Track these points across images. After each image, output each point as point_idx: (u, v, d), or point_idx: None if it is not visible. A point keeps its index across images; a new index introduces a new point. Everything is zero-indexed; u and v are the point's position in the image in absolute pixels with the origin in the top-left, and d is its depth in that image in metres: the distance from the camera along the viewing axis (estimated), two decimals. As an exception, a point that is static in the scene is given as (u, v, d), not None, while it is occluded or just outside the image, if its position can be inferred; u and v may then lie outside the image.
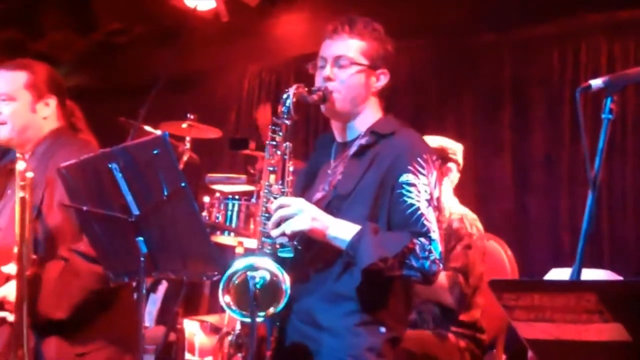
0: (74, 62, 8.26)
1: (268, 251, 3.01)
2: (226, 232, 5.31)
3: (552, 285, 2.10)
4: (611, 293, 1.88)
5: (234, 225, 5.28)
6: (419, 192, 3.03)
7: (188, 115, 5.94)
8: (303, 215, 2.97)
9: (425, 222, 3.00)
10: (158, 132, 5.37)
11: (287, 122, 3.10)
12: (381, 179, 3.08)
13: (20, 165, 3.51)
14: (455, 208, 4.43)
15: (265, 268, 2.88)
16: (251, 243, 5.24)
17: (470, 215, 4.43)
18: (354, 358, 2.99)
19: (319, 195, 3.22)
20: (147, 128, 5.50)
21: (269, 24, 7.57)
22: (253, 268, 2.88)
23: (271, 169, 3.08)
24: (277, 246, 3.01)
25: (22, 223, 3.47)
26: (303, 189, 3.31)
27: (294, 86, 3.12)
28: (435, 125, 6.49)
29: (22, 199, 3.46)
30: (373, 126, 3.21)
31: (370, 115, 3.24)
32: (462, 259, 4.25)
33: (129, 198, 3.07)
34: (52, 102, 3.87)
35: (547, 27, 6.33)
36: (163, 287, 5.95)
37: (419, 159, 3.07)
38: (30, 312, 3.47)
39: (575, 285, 2.07)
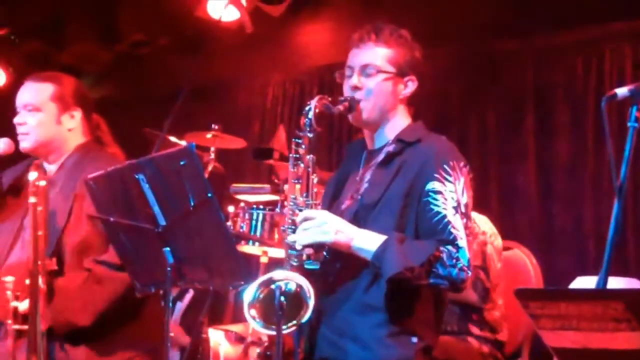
0: (99, 73, 8.31)
1: (295, 263, 3.01)
2: (251, 242, 5.32)
3: (578, 293, 2.10)
4: (639, 301, 1.88)
5: (258, 234, 5.29)
6: (445, 199, 3.02)
7: (213, 125, 5.96)
8: (326, 227, 2.98)
9: (452, 229, 2.99)
10: (183, 143, 5.39)
11: (310, 134, 3.10)
12: (408, 187, 3.08)
13: (32, 175, 3.56)
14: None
15: (291, 279, 2.89)
16: (276, 252, 5.26)
17: (480, 216, 4.44)
18: (386, 371, 2.99)
19: (346, 204, 3.23)
20: (172, 139, 5.52)
21: (293, 34, 7.59)
22: (277, 280, 2.88)
23: (295, 181, 3.09)
24: (304, 258, 3.01)
25: (34, 231, 3.50)
26: (332, 198, 3.32)
27: (316, 98, 3.12)
28: (458, 133, 6.48)
29: (34, 205, 3.50)
30: (400, 134, 3.22)
31: (399, 122, 3.25)
32: (480, 256, 4.27)
33: (156, 209, 3.10)
34: (78, 114, 3.92)
35: (571, 34, 6.31)
36: (189, 295, 5.97)
37: (445, 166, 3.07)
38: (54, 322, 3.50)
39: (601, 293, 2.08)
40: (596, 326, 1.93)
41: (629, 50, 6.06)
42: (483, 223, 4.40)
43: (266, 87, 7.92)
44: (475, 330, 4.28)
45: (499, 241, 4.42)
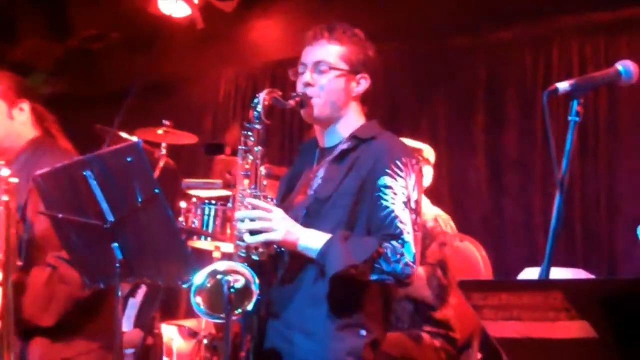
0: (50, 69, 8.24)
1: (242, 254, 3.03)
2: (203, 237, 5.31)
3: (519, 284, 2.13)
4: (577, 291, 1.91)
5: (210, 229, 5.28)
6: (395, 194, 3.05)
7: (164, 121, 5.94)
8: (277, 225, 3.00)
9: (399, 224, 3.02)
10: (134, 139, 5.36)
11: (258, 127, 3.11)
12: (361, 183, 3.10)
13: (4, 172, 3.53)
14: (428, 209, 4.47)
15: (235, 270, 2.91)
16: (228, 247, 5.25)
17: (444, 215, 4.49)
18: (335, 362, 3.00)
19: (298, 199, 3.25)
20: (123, 135, 5.49)
21: (244, 30, 7.57)
22: (222, 272, 2.90)
23: (244, 173, 3.10)
24: (252, 250, 3.02)
25: (6, 229, 3.48)
26: (285, 193, 3.34)
27: (265, 91, 3.13)
28: (409, 128, 6.51)
29: (6, 204, 3.48)
30: (355, 132, 3.23)
31: (352, 120, 3.27)
32: (438, 255, 4.31)
33: (104, 205, 3.09)
34: (26, 106, 3.90)
35: (520, 30, 6.37)
36: (142, 291, 5.94)
37: (397, 162, 3.09)
38: (15, 319, 3.48)
39: (541, 283, 2.11)
40: (537, 316, 1.95)
41: (576, 44, 6.13)
42: (445, 222, 4.44)
43: (218, 82, 7.90)
44: (427, 327, 4.32)
45: (457, 241, 4.48)
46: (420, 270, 4.21)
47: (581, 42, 6.12)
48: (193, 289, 2.92)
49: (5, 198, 3.49)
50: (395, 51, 6.72)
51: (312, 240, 3.02)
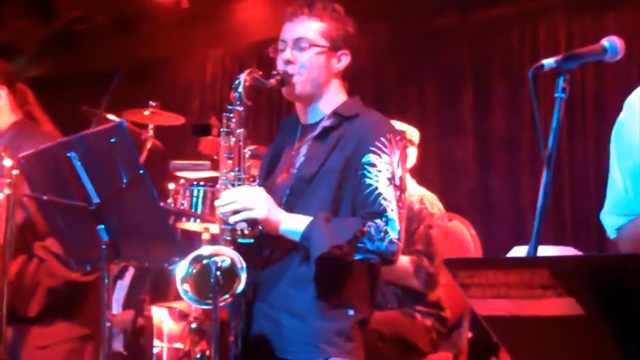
0: (36, 51, 8.19)
1: (228, 237, 3.01)
2: (192, 219, 5.30)
3: (505, 262, 2.11)
4: (563, 268, 1.90)
5: (199, 211, 5.26)
6: (379, 171, 3.02)
7: (151, 102, 5.91)
8: (259, 203, 2.98)
9: (382, 201, 3.00)
10: (117, 120, 5.34)
11: (240, 108, 3.09)
12: (345, 161, 3.08)
13: (7, 162, 3.48)
14: (413, 189, 4.44)
15: (221, 254, 2.89)
16: (217, 229, 5.23)
17: (430, 195, 4.46)
18: (324, 343, 3.00)
19: (281, 178, 3.22)
20: (110, 117, 5.47)
21: (231, 9, 7.54)
22: (207, 256, 2.88)
23: (227, 155, 3.08)
24: (238, 233, 3.01)
25: (7, 220, 3.45)
26: (267, 172, 3.31)
27: (246, 71, 3.11)
28: (396, 109, 6.52)
29: (8, 197, 3.44)
30: (337, 109, 3.20)
31: (333, 97, 3.24)
32: (425, 239, 4.27)
33: (89, 187, 3.07)
34: (3, 92, 3.85)
35: (506, 7, 6.37)
36: (130, 273, 5.92)
37: (382, 138, 3.06)
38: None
39: (528, 261, 2.10)
40: (524, 294, 1.94)
41: (563, 21, 6.13)
42: (432, 202, 4.41)
43: (205, 63, 7.88)
44: (419, 306, 4.31)
45: (445, 221, 4.44)
46: (406, 261, 4.20)
47: (568, 20, 6.12)
48: (178, 278, 2.89)
49: (7, 191, 3.45)
50: (381, 30, 6.71)
51: (294, 223, 3.00)
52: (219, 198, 3.04)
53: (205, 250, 2.92)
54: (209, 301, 2.88)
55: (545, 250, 3.72)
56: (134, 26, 7.15)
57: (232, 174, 3.06)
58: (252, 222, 2.99)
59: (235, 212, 2.98)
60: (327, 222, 2.96)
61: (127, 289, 5.97)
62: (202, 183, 5.34)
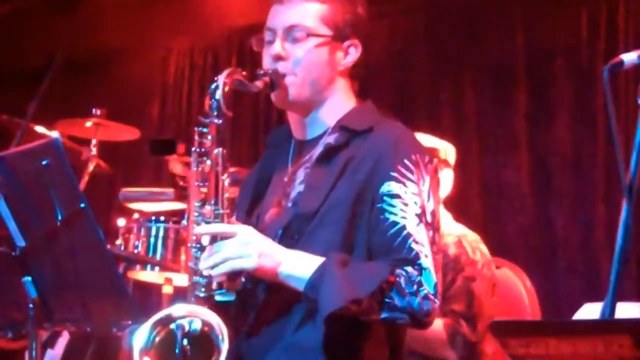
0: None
1: (202, 294, 3.01)
2: (149, 266, 5.32)
3: (572, 326, 2.13)
4: (651, 334, 1.91)
5: (159, 256, 5.29)
6: (405, 205, 3.02)
7: (94, 110, 5.94)
8: (247, 249, 2.97)
9: (413, 245, 2.99)
10: (53, 134, 5.36)
11: (218, 121, 3.10)
12: (358, 192, 3.07)
13: None
14: (449, 227, 4.44)
15: (196, 316, 2.89)
16: (183, 280, 5.25)
17: (471, 235, 4.46)
18: None
19: (271, 213, 3.22)
20: (40, 129, 5.50)
21: (202, -14, 7.60)
22: (177, 318, 2.89)
23: (200, 183, 3.09)
24: (214, 287, 3.01)
25: None
26: (251, 204, 3.31)
27: (226, 72, 3.10)
28: (425, 118, 6.54)
29: None
30: (343, 119, 3.20)
31: (339, 102, 3.24)
32: (464, 297, 4.27)
33: (12, 225, 3.08)
34: None
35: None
36: (64, 340, 5.92)
37: (405, 161, 3.06)
38: None
39: (603, 325, 2.11)
40: (598, 369, 1.96)
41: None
42: (473, 246, 4.41)
43: (167, 57, 7.92)
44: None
45: (492, 271, 4.44)
46: (439, 325, 4.20)
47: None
48: (136, 350, 2.90)
49: None
50: (404, 13, 6.74)
51: (298, 265, 2.98)
52: (188, 239, 3.05)
53: (176, 310, 2.92)
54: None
55: (627, 309, 3.72)
56: (72, 8, 7.18)
57: (208, 207, 3.06)
58: (235, 273, 3.00)
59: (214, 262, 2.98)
60: (344, 267, 2.95)
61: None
62: (162, 218, 5.36)
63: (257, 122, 7.30)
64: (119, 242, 5.30)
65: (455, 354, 4.26)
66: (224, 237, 2.98)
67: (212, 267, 2.96)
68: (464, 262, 4.33)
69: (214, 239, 2.99)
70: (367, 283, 2.91)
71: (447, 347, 4.24)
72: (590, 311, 4.23)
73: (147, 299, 6.12)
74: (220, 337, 2.86)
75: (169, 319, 2.89)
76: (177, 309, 2.92)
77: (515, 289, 4.81)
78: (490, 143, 6.56)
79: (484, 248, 4.44)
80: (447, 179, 4.53)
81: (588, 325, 2.16)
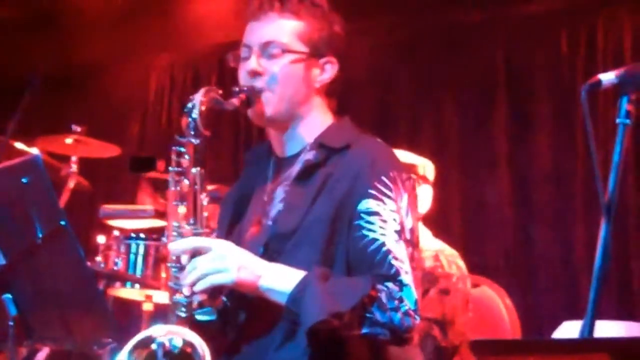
0: None
1: (182, 314, 3.00)
2: (129, 283, 5.31)
3: (551, 345, 2.14)
4: (630, 352, 1.92)
5: (139, 273, 5.28)
6: (384, 222, 3.03)
7: (74, 126, 5.93)
8: (225, 263, 2.97)
9: (393, 261, 2.99)
10: (32, 151, 5.36)
11: (195, 140, 3.10)
12: (336, 209, 3.08)
13: None
14: (427, 243, 4.46)
15: (177, 336, 2.89)
16: (163, 297, 5.24)
17: (449, 251, 4.48)
18: None
19: (251, 232, 3.22)
20: (19, 145, 5.49)
21: (181, 3, 7.58)
22: (158, 338, 2.88)
23: (178, 203, 3.09)
24: (195, 306, 3.01)
25: None
26: (231, 222, 3.32)
27: (202, 90, 3.10)
28: (405, 134, 6.55)
29: None
30: (321, 136, 3.22)
31: (316, 119, 3.25)
32: (438, 306, 4.29)
33: (-9, 243, 3.08)
34: None
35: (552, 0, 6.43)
36: (42, 355, 5.90)
37: (383, 178, 3.07)
38: None
39: (582, 344, 2.12)
40: (576, 388, 1.97)
41: (628, 19, 6.17)
42: (450, 260, 4.41)
43: (148, 73, 7.91)
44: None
45: (467, 286, 4.45)
46: None
47: (635, 16, 6.16)
48: None
49: None
50: (385, 29, 6.75)
51: (279, 279, 2.99)
52: (168, 258, 3.04)
53: (156, 330, 2.92)
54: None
55: (606, 328, 3.74)
56: (52, 24, 7.17)
57: (187, 227, 3.06)
58: (216, 290, 3.00)
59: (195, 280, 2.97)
60: (325, 281, 2.95)
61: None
62: (142, 235, 5.35)
63: (238, 139, 7.31)
64: (99, 259, 5.29)
65: (424, 356, 4.26)
66: (201, 253, 2.99)
67: (192, 284, 2.96)
68: (439, 275, 4.36)
69: (193, 256, 3.00)
70: (349, 297, 2.92)
71: (417, 350, 4.25)
72: (569, 329, 4.25)
73: (128, 316, 6.10)
74: (201, 356, 2.86)
75: (149, 340, 2.89)
76: (157, 330, 2.91)
77: (495, 306, 4.82)
78: (471, 160, 6.57)
79: (460, 263, 4.47)
80: (425, 195, 4.56)
81: (567, 344, 2.17)
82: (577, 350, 1.98)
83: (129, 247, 5.31)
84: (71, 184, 5.90)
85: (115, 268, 5.27)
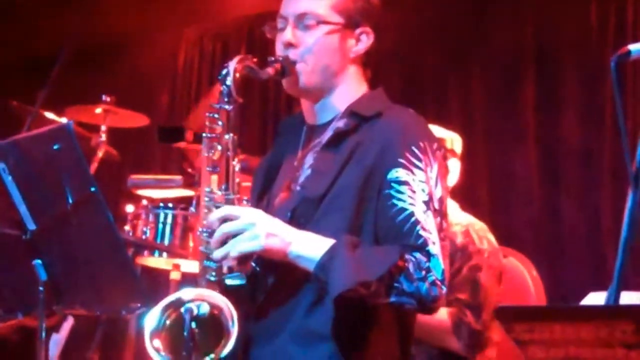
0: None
1: (212, 278, 3.02)
2: (157, 252, 5.33)
3: (576, 311, 2.13)
4: (655, 321, 1.92)
5: (167, 242, 5.30)
6: (413, 192, 3.03)
7: (104, 96, 5.95)
8: (255, 230, 2.98)
9: (421, 231, 2.99)
10: (62, 121, 5.38)
11: (228, 107, 3.11)
12: (365, 177, 3.08)
13: None
14: (456, 216, 4.44)
15: (205, 300, 2.91)
16: (191, 266, 5.27)
17: (478, 225, 4.46)
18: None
19: (280, 197, 3.23)
20: (49, 115, 5.51)
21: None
22: (187, 302, 2.90)
23: (210, 169, 3.10)
24: (224, 271, 3.02)
25: None
26: (262, 189, 3.32)
27: (237, 58, 3.12)
28: (433, 109, 6.53)
29: None
30: (353, 105, 3.21)
31: (351, 89, 3.25)
32: (470, 286, 4.26)
33: (23, 208, 3.10)
34: None
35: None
36: (68, 324, 5.92)
37: (413, 148, 3.07)
38: None
39: (607, 311, 2.11)
40: (601, 355, 1.96)
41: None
42: (480, 235, 4.40)
43: (177, 45, 7.92)
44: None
45: (500, 260, 4.44)
46: (443, 314, 4.20)
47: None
48: (147, 332, 2.91)
49: None
50: (414, 4, 6.73)
51: (308, 246, 2.99)
52: (197, 224, 3.05)
53: (185, 293, 2.94)
54: (186, 362, 2.90)
55: (631, 298, 3.73)
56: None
57: (219, 193, 3.08)
58: (245, 256, 3.02)
59: (223, 244, 2.99)
60: (354, 249, 2.96)
61: (62, 345, 5.97)
62: (170, 205, 5.37)
63: (266, 110, 7.31)
64: (127, 228, 5.32)
65: (460, 342, 4.26)
66: (231, 220, 3.00)
67: (220, 251, 2.98)
68: (471, 251, 4.33)
69: (224, 222, 3.01)
70: (377, 266, 2.92)
71: (451, 335, 4.25)
72: (595, 300, 4.23)
73: (155, 284, 6.13)
74: (230, 321, 2.88)
75: (179, 303, 2.90)
76: (187, 293, 2.93)
77: (522, 278, 4.81)
78: (498, 134, 6.56)
79: (491, 237, 4.44)
80: (453, 169, 4.54)
81: (592, 311, 2.16)
82: (603, 317, 1.98)
83: (157, 216, 5.33)
84: (100, 153, 5.92)
85: (143, 237, 5.29)
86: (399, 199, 3.02)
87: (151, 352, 2.91)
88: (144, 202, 5.42)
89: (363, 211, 3.08)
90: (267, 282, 3.12)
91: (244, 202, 3.13)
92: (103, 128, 5.98)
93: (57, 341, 5.77)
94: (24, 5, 7.94)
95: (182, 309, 2.89)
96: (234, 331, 2.87)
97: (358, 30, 3.24)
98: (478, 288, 4.27)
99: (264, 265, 3.09)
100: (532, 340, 2.01)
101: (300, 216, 3.11)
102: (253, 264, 3.04)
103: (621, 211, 5.97)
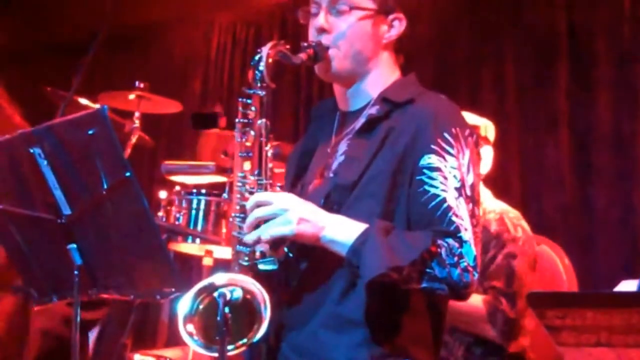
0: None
1: (245, 263, 3.03)
2: (190, 238, 5.35)
3: (608, 298, 2.13)
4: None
5: (199, 228, 5.32)
6: (445, 178, 3.04)
7: (137, 83, 5.97)
8: (287, 215, 2.99)
9: (453, 217, 3.01)
10: (96, 106, 5.40)
11: (261, 93, 3.13)
12: (397, 163, 3.10)
13: None
14: (489, 204, 4.44)
15: (238, 285, 2.92)
16: (223, 252, 5.29)
17: (512, 213, 4.45)
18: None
19: (314, 184, 3.25)
20: (83, 101, 5.53)
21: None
22: (220, 287, 2.91)
23: (244, 154, 3.11)
24: (257, 256, 3.04)
25: None
26: (295, 176, 3.35)
27: (270, 44, 3.13)
28: (465, 95, 6.52)
29: None
30: (386, 92, 3.23)
31: (382, 75, 3.28)
32: (505, 274, 4.26)
33: (58, 193, 3.12)
34: None
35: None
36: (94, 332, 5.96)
37: (445, 135, 3.08)
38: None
39: (639, 297, 2.12)
40: (632, 341, 1.97)
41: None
42: (515, 223, 4.40)
43: (210, 31, 7.93)
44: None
45: (533, 248, 4.43)
46: (478, 301, 4.21)
47: None
48: (180, 317, 2.93)
49: None
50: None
51: (341, 231, 3.01)
52: (229, 210, 3.07)
53: (218, 278, 2.95)
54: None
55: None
56: (115, -19, 7.19)
57: (252, 178, 3.09)
58: (278, 241, 3.03)
59: (255, 228, 3.00)
60: (387, 234, 2.97)
61: (97, 331, 6.00)
62: (203, 191, 5.39)
63: (299, 96, 7.31)
64: (160, 214, 5.34)
65: (495, 330, 4.26)
66: (263, 205, 3.02)
67: (252, 235, 2.99)
68: (506, 239, 4.33)
69: (257, 207, 3.02)
70: (409, 251, 2.94)
71: (486, 323, 4.25)
72: (627, 288, 4.24)
73: (188, 270, 6.16)
74: (262, 306, 2.89)
75: (212, 287, 2.92)
76: (220, 278, 2.94)
77: (554, 266, 4.80)
78: (531, 121, 6.54)
79: (525, 225, 4.44)
80: (487, 156, 4.53)
81: (624, 297, 2.17)
82: (634, 304, 1.98)
83: (190, 202, 5.34)
84: (134, 139, 5.94)
85: (176, 223, 5.30)
86: (431, 185, 3.03)
87: (184, 336, 2.93)
88: (177, 188, 5.44)
89: (395, 197, 3.10)
90: (300, 268, 3.14)
91: (277, 188, 3.15)
92: (136, 114, 5.99)
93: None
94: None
95: (216, 294, 2.89)
96: (267, 316, 2.89)
97: (391, 16, 3.26)
98: (513, 276, 4.27)
99: (297, 252, 3.11)
100: (564, 325, 2.01)
101: (333, 203, 3.13)
102: (286, 250, 3.05)
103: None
